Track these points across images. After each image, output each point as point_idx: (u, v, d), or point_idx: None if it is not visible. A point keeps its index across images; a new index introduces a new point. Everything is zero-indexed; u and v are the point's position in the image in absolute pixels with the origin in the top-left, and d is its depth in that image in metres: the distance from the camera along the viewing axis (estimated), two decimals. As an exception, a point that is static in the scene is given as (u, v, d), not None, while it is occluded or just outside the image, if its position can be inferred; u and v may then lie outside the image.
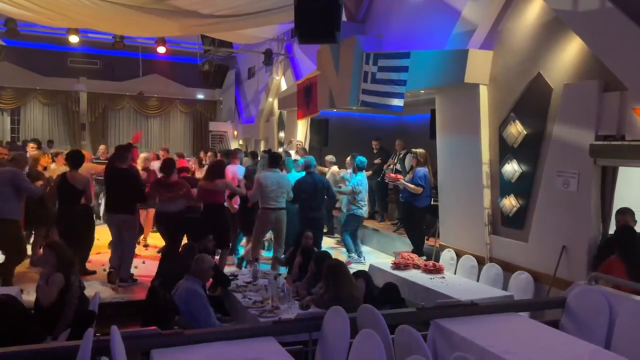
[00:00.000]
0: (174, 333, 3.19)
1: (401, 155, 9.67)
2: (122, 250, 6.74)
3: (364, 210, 8.41)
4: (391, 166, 9.67)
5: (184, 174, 8.11)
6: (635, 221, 5.02)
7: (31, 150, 9.86)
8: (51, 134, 19.85)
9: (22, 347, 2.93)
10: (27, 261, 6.98)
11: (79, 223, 6.63)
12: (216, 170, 6.96)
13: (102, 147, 12.04)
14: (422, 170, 7.57)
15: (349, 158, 9.06)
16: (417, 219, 7.79)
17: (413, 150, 8.09)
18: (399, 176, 8.08)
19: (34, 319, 4.04)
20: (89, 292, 4.74)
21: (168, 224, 6.79)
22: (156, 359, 2.93)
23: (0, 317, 3.51)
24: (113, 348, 2.70)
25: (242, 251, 8.16)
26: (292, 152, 11.05)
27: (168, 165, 6.96)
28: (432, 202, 7.98)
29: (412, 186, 7.50)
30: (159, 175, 7.53)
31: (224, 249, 7.01)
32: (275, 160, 7.46)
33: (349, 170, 9.03)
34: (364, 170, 8.57)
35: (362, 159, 8.55)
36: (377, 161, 10.17)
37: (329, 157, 10.12)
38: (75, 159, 6.71)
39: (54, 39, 16.58)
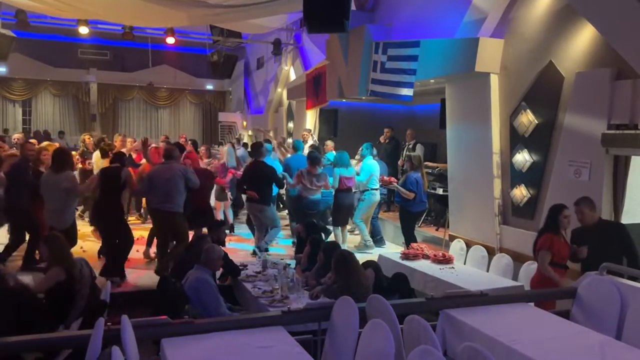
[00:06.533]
0: (184, 322, 3.22)
1: (410, 146, 9.63)
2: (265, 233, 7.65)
3: None
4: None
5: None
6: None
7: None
8: (62, 125, 19.99)
9: (35, 335, 2.96)
10: None
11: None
12: (347, 160, 8.02)
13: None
14: (414, 175, 7.44)
15: (330, 142, 9.75)
16: (409, 224, 7.69)
17: (407, 154, 8.30)
18: (392, 179, 8.06)
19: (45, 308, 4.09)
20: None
21: (308, 209, 7.77)
22: (166, 348, 2.95)
23: (12, 305, 3.56)
24: (124, 337, 2.73)
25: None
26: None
27: (315, 157, 7.75)
28: (427, 207, 8.15)
29: (404, 190, 7.41)
30: None
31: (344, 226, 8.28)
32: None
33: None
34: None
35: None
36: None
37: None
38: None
39: (64, 30, 16.59)
